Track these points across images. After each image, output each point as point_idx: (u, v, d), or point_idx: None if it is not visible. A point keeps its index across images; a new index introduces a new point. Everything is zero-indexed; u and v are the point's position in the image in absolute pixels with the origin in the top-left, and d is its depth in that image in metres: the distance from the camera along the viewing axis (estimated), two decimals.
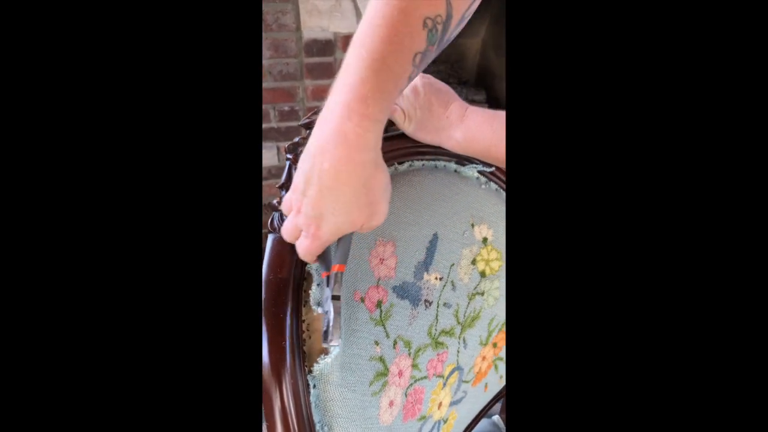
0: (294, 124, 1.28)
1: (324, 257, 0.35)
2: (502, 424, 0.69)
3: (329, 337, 0.34)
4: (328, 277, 0.35)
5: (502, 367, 0.57)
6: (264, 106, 1.23)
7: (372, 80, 0.27)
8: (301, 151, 0.39)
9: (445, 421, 0.51)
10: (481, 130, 0.44)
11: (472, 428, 0.61)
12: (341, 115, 0.28)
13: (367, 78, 0.27)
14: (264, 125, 1.26)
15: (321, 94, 1.24)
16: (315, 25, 1.13)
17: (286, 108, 1.25)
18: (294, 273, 0.35)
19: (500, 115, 0.44)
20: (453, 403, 0.51)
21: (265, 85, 1.19)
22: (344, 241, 0.34)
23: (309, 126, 0.40)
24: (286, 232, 0.33)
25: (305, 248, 0.32)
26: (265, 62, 1.16)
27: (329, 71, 1.22)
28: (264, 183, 1.36)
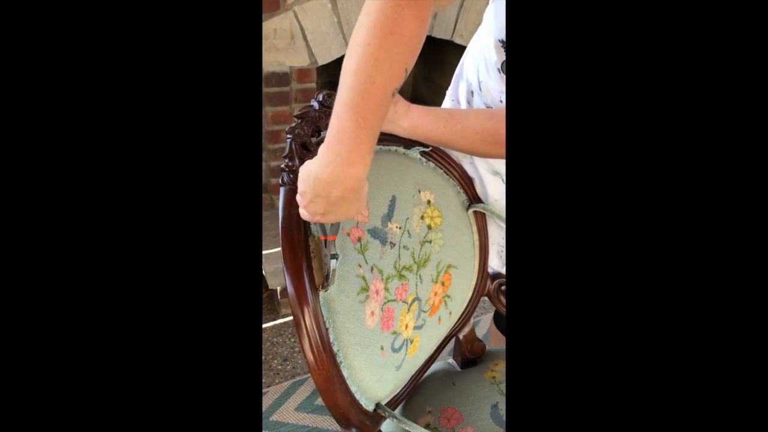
0: None
1: (321, 226, 0.49)
2: (455, 365, 0.85)
3: (330, 280, 0.50)
4: (326, 241, 0.50)
5: (450, 303, 0.74)
6: None
7: (366, 143, 0.42)
8: (298, 133, 0.55)
9: (411, 342, 0.66)
10: (422, 119, 0.63)
11: (429, 365, 0.77)
12: (347, 163, 0.42)
13: (363, 141, 0.42)
14: None
15: (279, 119, 1.41)
16: (273, 61, 1.32)
17: None
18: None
19: (434, 109, 0.63)
20: (416, 328, 0.67)
21: None
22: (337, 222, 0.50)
23: (301, 116, 0.57)
24: (301, 215, 0.47)
25: (308, 219, 0.47)
26: None
27: (286, 99, 1.39)
28: None
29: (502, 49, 0.59)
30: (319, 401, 1.20)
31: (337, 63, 1.60)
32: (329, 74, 1.80)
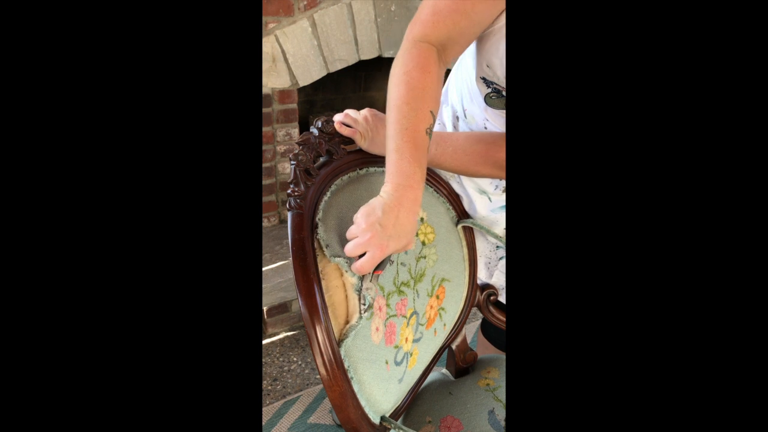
0: None
1: None
2: (449, 374, 0.88)
3: (369, 310, 0.53)
4: (372, 275, 0.52)
5: (444, 315, 0.77)
6: None
7: (417, 172, 0.52)
8: (301, 159, 0.58)
9: (411, 355, 0.69)
10: None
11: (426, 376, 0.79)
12: (407, 187, 0.51)
13: (414, 171, 0.52)
14: None
15: (263, 139, 1.43)
16: None
17: None
18: (310, 233, 0.53)
19: None
20: (415, 341, 0.70)
21: None
22: (388, 257, 0.53)
23: (302, 143, 0.60)
24: (352, 250, 0.49)
25: (368, 262, 0.49)
26: None
27: (268, 120, 1.41)
28: None
29: (484, 85, 0.64)
30: (312, 419, 1.20)
31: (314, 84, 1.64)
32: (306, 94, 1.83)
